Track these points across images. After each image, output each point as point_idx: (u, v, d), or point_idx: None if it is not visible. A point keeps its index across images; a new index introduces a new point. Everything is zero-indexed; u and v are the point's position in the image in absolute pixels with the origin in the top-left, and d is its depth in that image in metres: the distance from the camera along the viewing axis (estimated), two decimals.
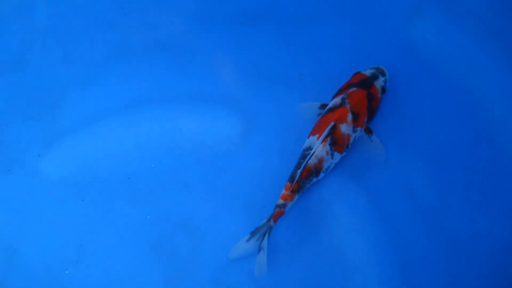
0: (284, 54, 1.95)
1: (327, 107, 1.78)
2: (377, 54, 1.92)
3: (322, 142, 1.68)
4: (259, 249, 1.61)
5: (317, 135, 1.71)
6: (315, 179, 1.72)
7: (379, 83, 1.80)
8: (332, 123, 1.69)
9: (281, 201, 1.66)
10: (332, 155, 1.71)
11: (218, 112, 1.85)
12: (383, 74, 1.83)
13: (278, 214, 1.65)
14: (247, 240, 1.61)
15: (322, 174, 1.72)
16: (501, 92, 1.88)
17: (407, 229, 1.69)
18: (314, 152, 1.67)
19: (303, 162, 1.68)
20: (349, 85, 1.79)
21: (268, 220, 1.63)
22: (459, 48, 1.95)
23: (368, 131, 1.80)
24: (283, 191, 1.66)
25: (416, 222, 1.70)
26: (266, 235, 1.61)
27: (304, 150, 1.72)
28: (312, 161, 1.68)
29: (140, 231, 1.68)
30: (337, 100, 1.76)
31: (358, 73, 1.82)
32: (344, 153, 1.75)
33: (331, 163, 1.73)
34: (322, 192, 1.75)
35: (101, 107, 1.86)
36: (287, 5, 2.02)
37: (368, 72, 1.82)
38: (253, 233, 1.61)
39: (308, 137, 1.75)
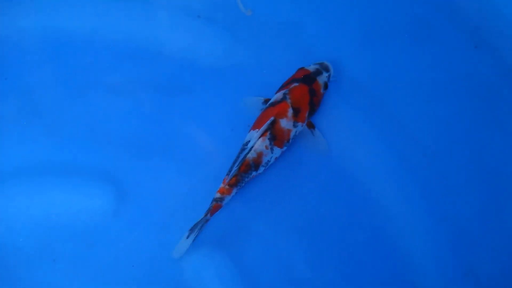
0: (163, 122, 1.89)
1: (269, 102, 1.78)
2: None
3: (261, 136, 1.69)
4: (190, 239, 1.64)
5: (257, 130, 1.71)
6: (254, 173, 1.73)
7: (322, 78, 1.81)
8: (272, 118, 1.70)
9: (218, 195, 1.67)
10: (272, 149, 1.72)
11: (92, 184, 1.80)
12: (327, 70, 1.84)
13: (215, 208, 1.67)
14: (187, 237, 1.63)
15: (261, 169, 1.74)
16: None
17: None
18: (253, 147, 1.68)
19: (241, 156, 1.68)
20: (292, 80, 1.79)
21: (205, 215, 1.65)
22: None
23: (310, 125, 1.82)
24: (221, 185, 1.67)
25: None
26: (200, 229, 1.64)
27: (243, 145, 1.73)
28: (251, 155, 1.69)
29: None
30: (279, 95, 1.77)
31: (302, 68, 1.83)
32: (284, 148, 1.77)
33: (271, 158, 1.74)
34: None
35: None
36: (167, 74, 1.95)
37: (311, 68, 1.82)
38: (191, 229, 1.63)
39: (249, 131, 1.75)
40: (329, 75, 1.85)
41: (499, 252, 1.75)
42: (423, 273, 1.73)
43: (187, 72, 1.93)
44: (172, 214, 1.78)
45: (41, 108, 1.90)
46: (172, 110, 1.90)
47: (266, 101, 1.84)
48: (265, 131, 1.70)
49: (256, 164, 1.71)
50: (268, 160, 1.74)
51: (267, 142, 1.71)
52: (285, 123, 1.73)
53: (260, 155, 1.71)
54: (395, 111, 1.89)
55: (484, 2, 1.98)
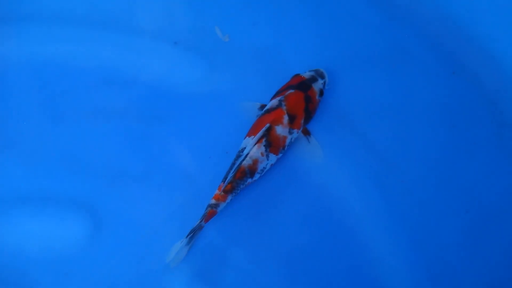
0: (140, 149, 1.88)
1: (265, 108, 1.78)
2: (236, 150, 1.84)
3: (256, 143, 1.69)
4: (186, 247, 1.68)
5: (252, 136, 1.71)
6: (249, 180, 1.73)
7: (317, 85, 1.81)
8: (267, 125, 1.70)
9: (213, 201, 1.68)
10: (267, 156, 1.72)
11: (67, 212, 1.79)
12: (322, 77, 1.84)
13: (210, 214, 1.68)
14: (182, 242, 1.65)
15: (257, 175, 1.74)
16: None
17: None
18: (248, 154, 1.68)
19: (237, 163, 1.68)
20: (287, 87, 1.80)
21: (200, 221, 1.66)
22: None
23: (306, 132, 1.82)
24: (216, 191, 1.68)
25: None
26: (195, 236, 1.67)
27: (239, 151, 1.73)
28: (247, 162, 1.69)
29: None
30: (274, 101, 1.77)
31: (297, 75, 1.83)
32: (280, 155, 1.77)
33: (267, 164, 1.74)
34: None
35: None
36: (144, 101, 1.93)
37: (307, 75, 1.83)
38: (187, 236, 1.66)
39: (245, 138, 1.75)
40: (324, 82, 1.85)
41: (479, 280, 1.76)
42: None
43: (164, 99, 1.92)
44: (149, 242, 1.77)
45: (16, 136, 1.88)
46: (149, 137, 1.88)
47: (262, 106, 1.84)
48: (261, 138, 1.70)
49: (251, 171, 1.72)
50: (264, 167, 1.75)
51: (263, 149, 1.72)
52: (280, 130, 1.73)
53: (255, 162, 1.71)
54: (373, 137, 1.89)
55: (461, 29, 1.98)
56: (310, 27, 2.01)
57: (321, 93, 1.83)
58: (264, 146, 1.72)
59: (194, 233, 1.67)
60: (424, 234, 1.79)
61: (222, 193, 1.69)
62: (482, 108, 1.92)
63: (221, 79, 1.93)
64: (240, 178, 1.71)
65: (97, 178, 1.83)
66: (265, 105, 1.82)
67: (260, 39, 1.98)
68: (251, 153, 1.70)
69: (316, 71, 1.85)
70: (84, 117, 1.90)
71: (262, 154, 1.72)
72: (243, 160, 1.69)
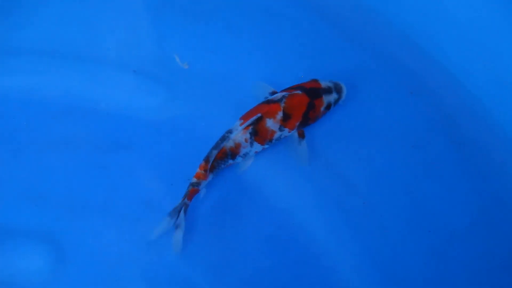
0: (101, 179, 1.86)
1: (268, 97, 1.79)
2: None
3: (243, 129, 1.71)
4: (176, 227, 1.68)
5: (242, 121, 1.72)
6: (231, 161, 1.76)
7: (328, 98, 1.80)
8: (259, 115, 1.71)
9: (194, 180, 1.71)
10: (251, 143, 1.75)
11: (29, 245, 1.76)
12: (338, 92, 1.82)
13: (192, 192, 1.71)
14: (168, 222, 1.67)
15: (239, 158, 1.77)
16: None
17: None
18: (232, 137, 1.70)
19: (220, 143, 1.70)
20: (298, 86, 1.79)
21: (183, 199, 1.68)
22: None
23: (301, 135, 1.82)
24: (197, 170, 1.71)
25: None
26: (182, 213, 1.68)
27: (226, 132, 1.73)
28: (229, 144, 1.72)
29: None
30: (279, 95, 1.78)
31: (315, 80, 1.82)
32: (266, 146, 1.78)
33: (250, 151, 1.77)
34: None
35: None
36: (104, 130, 1.91)
37: (324, 84, 1.81)
38: (170, 214, 1.68)
39: (238, 120, 1.75)
40: (338, 98, 1.84)
41: None
42: None
43: (125, 127, 1.91)
44: (114, 273, 1.75)
45: None
46: (110, 166, 1.87)
47: (273, 92, 1.84)
48: (249, 125, 1.72)
49: (233, 153, 1.75)
50: (246, 152, 1.77)
51: (248, 135, 1.74)
52: (271, 123, 1.74)
53: (238, 146, 1.74)
54: (334, 159, 1.90)
55: (419, 49, 2.01)
56: (268, 53, 2.02)
57: (329, 106, 1.82)
58: (249, 133, 1.74)
59: (180, 212, 1.69)
60: (387, 255, 1.80)
61: (203, 171, 1.71)
62: (441, 126, 1.95)
63: (181, 106, 1.93)
64: (221, 158, 1.75)
65: (59, 209, 1.81)
66: (276, 92, 1.83)
67: (219, 66, 1.99)
68: (235, 137, 1.72)
69: (336, 84, 1.84)
70: (45, 148, 1.88)
71: (246, 140, 1.74)
72: (226, 142, 1.71)
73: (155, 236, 1.69)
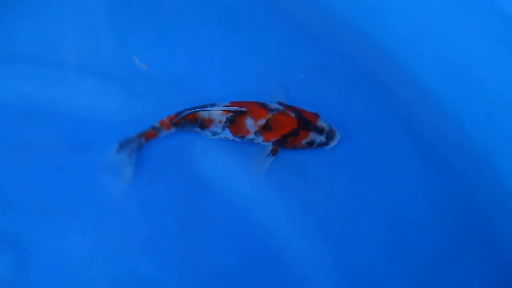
0: (64, 181, 1.86)
1: (270, 103, 1.80)
2: (159, 177, 1.87)
3: (224, 109, 1.73)
4: (127, 164, 1.78)
5: (229, 105, 1.75)
6: (198, 129, 1.80)
7: (314, 136, 1.78)
8: (244, 109, 1.73)
9: (157, 125, 1.80)
10: (223, 128, 1.77)
11: None
12: (328, 138, 1.80)
13: (150, 134, 1.80)
14: (117, 151, 1.73)
15: (207, 132, 1.80)
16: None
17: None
18: (210, 110, 1.74)
19: (197, 108, 1.75)
20: (299, 111, 1.78)
21: (139, 137, 1.75)
22: None
23: (273, 152, 1.83)
24: (165, 118, 1.79)
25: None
26: (135, 151, 1.77)
27: (210, 103, 1.77)
28: (204, 114, 1.75)
29: None
30: (275, 106, 1.78)
31: (315, 115, 1.80)
32: (237, 138, 1.80)
33: (220, 133, 1.79)
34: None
35: None
36: (65, 132, 1.91)
37: (320, 122, 1.79)
38: (122, 145, 1.76)
39: (229, 103, 1.77)
40: (325, 143, 1.81)
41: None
42: None
43: (85, 129, 1.91)
44: (78, 274, 1.77)
45: None
46: (72, 168, 1.87)
47: (280, 103, 1.83)
48: (231, 111, 1.74)
49: (203, 124, 1.78)
50: (216, 132, 1.80)
51: (224, 119, 1.75)
52: (250, 123, 1.75)
53: (210, 121, 1.77)
54: (293, 154, 1.92)
55: (375, 45, 2.03)
56: (226, 51, 2.03)
57: (310, 144, 1.79)
58: (227, 118, 1.75)
59: (134, 148, 1.78)
60: (349, 248, 1.84)
61: (168, 121, 1.79)
62: (397, 121, 1.97)
63: (141, 106, 1.94)
64: (190, 121, 1.78)
65: (21, 212, 1.82)
66: (282, 103, 1.83)
67: (178, 66, 2.00)
68: (213, 112, 1.74)
69: (331, 131, 1.81)
70: (6, 152, 1.88)
71: (220, 121, 1.76)
72: (202, 109, 1.75)
73: (106, 165, 1.80)
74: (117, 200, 1.85)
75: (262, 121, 1.75)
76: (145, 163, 1.88)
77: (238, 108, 1.73)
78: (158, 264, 1.79)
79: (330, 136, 1.80)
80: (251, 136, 1.78)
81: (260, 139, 1.79)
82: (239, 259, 1.82)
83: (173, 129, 1.81)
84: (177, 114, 1.78)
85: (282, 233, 1.85)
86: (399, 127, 1.97)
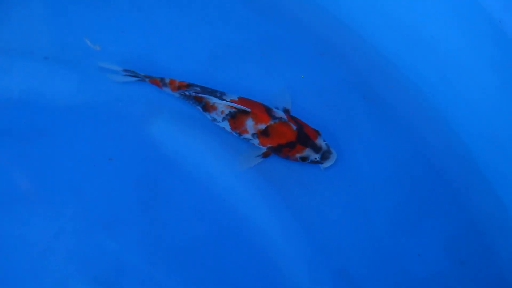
0: (24, 168, 1.85)
1: (275, 108, 1.81)
2: (118, 156, 1.88)
3: (228, 104, 1.76)
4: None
5: (237, 100, 1.78)
6: (199, 108, 1.84)
7: (309, 153, 1.78)
8: (249, 110, 1.75)
9: (167, 80, 1.86)
10: (223, 119, 1.79)
11: None
12: (322, 158, 1.78)
13: (156, 81, 1.87)
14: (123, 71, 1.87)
15: (208, 116, 1.84)
16: None
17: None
18: (216, 99, 1.77)
19: (206, 92, 1.80)
20: (301, 125, 1.78)
21: (146, 76, 1.88)
22: None
23: (265, 155, 1.83)
24: (176, 80, 1.85)
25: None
26: (133, 79, 1.88)
27: (220, 91, 1.82)
28: (210, 99, 1.78)
29: None
30: (280, 114, 1.79)
31: (317, 132, 1.80)
32: (234, 133, 1.81)
33: (219, 122, 1.82)
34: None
35: None
36: (21, 119, 1.90)
37: (319, 141, 1.78)
38: (127, 71, 1.88)
39: (237, 98, 1.80)
40: (319, 162, 1.80)
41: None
42: None
43: (42, 115, 1.90)
44: (42, 259, 1.76)
45: None
46: (31, 155, 1.87)
47: (286, 110, 1.86)
48: (234, 107, 1.75)
49: (205, 106, 1.82)
50: (215, 119, 1.83)
51: (226, 111, 1.78)
52: (249, 124, 1.77)
53: (213, 108, 1.80)
54: None
55: (326, 12, 2.06)
56: (179, 29, 2.04)
57: (304, 159, 1.79)
58: (229, 112, 1.77)
59: (134, 75, 1.88)
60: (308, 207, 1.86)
61: (178, 84, 1.84)
62: (352, 86, 2.00)
63: (96, 88, 1.94)
64: (195, 98, 1.82)
65: None
66: (289, 110, 1.86)
67: (130, 45, 2.00)
68: (218, 101, 1.77)
69: (327, 151, 1.79)
70: None
71: (222, 112, 1.79)
72: (209, 97, 1.78)
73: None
74: (78, 182, 1.84)
75: (262, 126, 1.76)
76: (104, 142, 1.89)
77: (243, 107, 1.75)
78: (124, 242, 1.79)
79: (325, 156, 1.79)
80: (247, 136, 1.80)
81: (256, 141, 1.80)
82: (203, 232, 1.82)
83: (176, 94, 1.86)
84: (189, 85, 1.83)
85: (244, 204, 1.86)
86: (354, 91, 2.00)
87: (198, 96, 1.82)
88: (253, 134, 1.79)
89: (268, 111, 1.79)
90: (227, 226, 1.83)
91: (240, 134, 1.82)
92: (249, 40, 2.04)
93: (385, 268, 1.80)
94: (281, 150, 1.79)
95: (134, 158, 1.87)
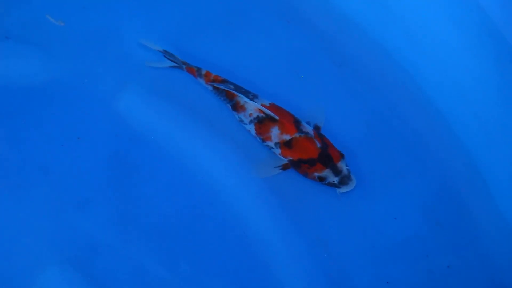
0: None
1: (306, 123, 1.79)
2: (86, 135, 1.85)
3: (259, 107, 1.75)
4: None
5: (268, 105, 1.77)
6: (229, 106, 1.82)
7: (328, 174, 1.73)
8: (277, 118, 1.73)
9: (203, 71, 1.85)
10: (250, 122, 1.78)
11: None
12: (340, 182, 1.74)
13: (192, 70, 1.87)
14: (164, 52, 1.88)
15: (236, 116, 1.83)
16: None
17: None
18: (249, 100, 1.76)
19: (240, 92, 1.78)
20: (327, 144, 1.75)
21: (183, 63, 1.86)
22: None
23: (285, 167, 1.79)
24: (212, 73, 1.84)
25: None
26: (170, 61, 1.88)
27: (252, 93, 1.81)
28: (241, 99, 1.78)
29: None
30: (308, 129, 1.76)
31: (341, 154, 1.75)
32: (257, 138, 1.80)
33: (245, 121, 1.80)
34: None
35: None
36: None
37: (341, 164, 1.74)
38: (167, 53, 1.88)
39: (268, 103, 1.79)
40: (336, 185, 1.75)
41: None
42: None
43: (6, 96, 1.87)
44: (16, 242, 1.74)
45: None
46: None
47: (316, 127, 1.84)
48: (264, 112, 1.74)
49: (235, 106, 1.81)
50: (242, 120, 1.81)
51: (255, 115, 1.76)
52: (274, 132, 1.75)
53: (242, 108, 1.78)
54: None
55: None
56: (144, 3, 2.01)
57: (321, 179, 1.74)
58: (257, 115, 1.76)
59: (171, 60, 1.88)
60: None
61: (213, 78, 1.83)
62: (320, 51, 1.99)
63: (60, 66, 1.90)
64: (227, 95, 1.81)
65: None
66: (319, 128, 1.83)
67: (94, 21, 1.96)
68: (249, 102, 1.76)
69: (347, 177, 1.74)
70: None
71: (250, 114, 1.78)
72: (240, 95, 1.77)
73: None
74: (47, 163, 1.82)
75: (286, 137, 1.74)
76: (71, 121, 1.86)
77: (271, 114, 1.73)
78: (97, 222, 1.77)
79: (344, 181, 1.74)
80: (270, 143, 1.78)
81: (277, 151, 1.78)
82: (177, 208, 1.80)
83: (209, 86, 1.84)
84: (223, 81, 1.82)
85: (218, 174, 1.84)
86: (322, 55, 1.99)
87: (230, 93, 1.80)
88: (276, 143, 1.76)
89: (296, 123, 1.76)
90: (201, 201, 1.81)
91: (263, 141, 1.79)
92: (213, 10, 2.03)
93: (362, 232, 1.79)
94: (300, 166, 1.75)
95: (103, 136, 1.85)
